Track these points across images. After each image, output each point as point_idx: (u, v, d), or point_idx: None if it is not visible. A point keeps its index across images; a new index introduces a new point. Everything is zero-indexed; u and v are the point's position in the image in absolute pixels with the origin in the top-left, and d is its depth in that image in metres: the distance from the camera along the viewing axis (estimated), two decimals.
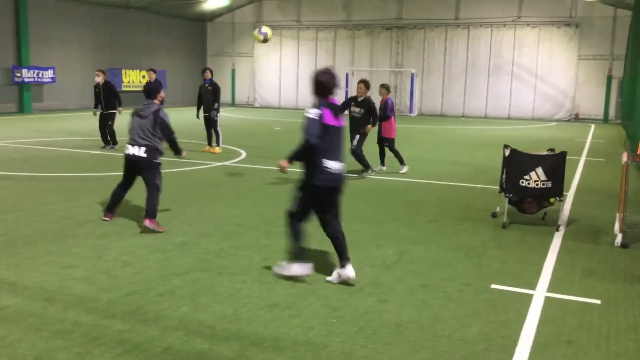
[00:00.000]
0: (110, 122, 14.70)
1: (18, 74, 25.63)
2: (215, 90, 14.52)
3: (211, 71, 14.92)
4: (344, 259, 5.49)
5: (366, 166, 11.63)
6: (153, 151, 7.24)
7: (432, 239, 7.17)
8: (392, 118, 12.16)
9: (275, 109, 35.55)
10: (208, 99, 14.55)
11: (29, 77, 26.12)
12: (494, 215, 8.35)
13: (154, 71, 15.69)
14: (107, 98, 14.67)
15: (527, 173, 7.63)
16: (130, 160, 7.31)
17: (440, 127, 25.55)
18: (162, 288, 5.26)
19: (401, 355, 4.11)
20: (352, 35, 34.89)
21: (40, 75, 26.71)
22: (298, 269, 5.55)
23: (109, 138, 14.78)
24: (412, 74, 32.67)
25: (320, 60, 35.77)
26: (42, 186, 9.80)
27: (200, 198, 9.22)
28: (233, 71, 37.51)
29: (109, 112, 14.72)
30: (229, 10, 36.86)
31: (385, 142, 12.23)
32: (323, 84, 5.68)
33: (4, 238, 6.69)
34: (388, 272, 5.87)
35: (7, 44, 25.63)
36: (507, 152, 7.87)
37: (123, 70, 31.08)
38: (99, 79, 14.71)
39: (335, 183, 5.49)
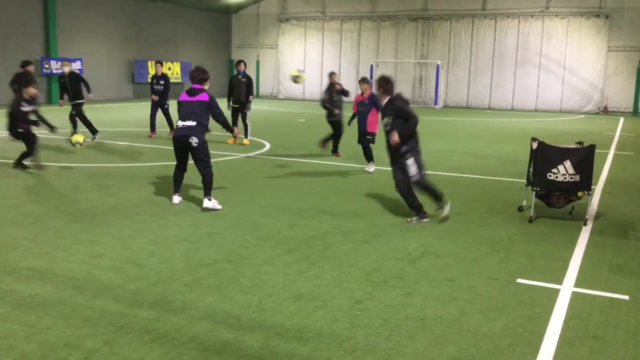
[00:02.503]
0: (75, 113, 14.28)
1: (47, 66, 26.03)
2: (249, 83, 14.73)
3: (245, 64, 15.06)
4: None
5: (437, 198, 7.79)
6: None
7: (457, 233, 7.12)
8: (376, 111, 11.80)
9: (299, 100, 35.55)
10: (240, 90, 14.69)
11: (57, 69, 26.49)
12: (521, 209, 8.26)
13: (161, 63, 15.94)
14: (74, 88, 14.25)
15: (555, 166, 7.51)
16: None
17: (465, 119, 25.30)
18: (188, 278, 5.32)
19: (425, 349, 4.10)
20: (377, 27, 34.67)
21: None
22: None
23: (93, 127, 14.45)
24: (438, 66, 32.38)
25: (344, 51, 35.66)
26: (70, 176, 9.96)
27: (225, 189, 9.27)
28: (257, 63, 37.59)
29: (76, 102, 14.29)
30: (254, 2, 36.90)
31: (369, 136, 11.24)
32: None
33: (33, 227, 6.82)
34: (413, 266, 5.85)
35: (36, 36, 26.03)
36: (535, 145, 7.77)
37: (149, 62, 31.33)
38: (66, 69, 14.42)
39: None
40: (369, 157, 11.27)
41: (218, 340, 4.12)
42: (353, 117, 11.60)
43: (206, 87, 8.25)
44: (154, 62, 30.14)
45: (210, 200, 7.88)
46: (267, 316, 4.55)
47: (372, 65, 32.95)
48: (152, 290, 5.00)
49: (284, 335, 4.23)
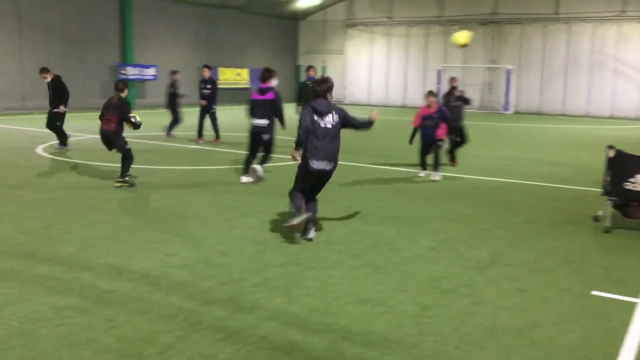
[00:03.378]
0: (58, 123, 13.40)
1: (123, 71, 27.15)
2: None
3: (315, 69, 15.17)
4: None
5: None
6: None
7: (528, 242, 6.94)
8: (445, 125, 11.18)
9: (364, 105, 35.54)
10: (309, 96, 14.75)
11: (133, 75, 27.61)
12: (596, 219, 7.96)
13: (209, 67, 15.99)
14: (55, 95, 13.39)
15: (633, 175, 7.21)
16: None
17: (537, 125, 24.58)
18: (257, 279, 5.43)
19: (495, 359, 4.02)
20: (445, 31, 34.23)
21: (143, 73, 28.17)
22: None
23: (61, 137, 13.51)
24: (509, 71, 31.64)
25: (411, 56, 35.42)
26: (144, 178, 10.34)
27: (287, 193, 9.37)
28: (324, 68, 37.86)
29: (55, 110, 13.40)
30: (321, 8, 37.23)
31: (440, 142, 10.99)
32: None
33: (110, 226, 7.13)
34: (482, 274, 5.74)
35: (113, 43, 27.21)
36: (611, 153, 7.47)
37: (219, 68, 32.14)
38: (46, 79, 13.41)
39: None
40: (437, 164, 10.91)
41: (286, 341, 4.19)
42: (414, 133, 10.97)
43: (273, 83, 9.71)
44: (221, 68, 30.74)
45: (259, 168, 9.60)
46: (333, 319, 4.58)
47: (439, 71, 32.55)
48: (222, 289, 5.13)
49: (350, 339, 4.25)
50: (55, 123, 13.43)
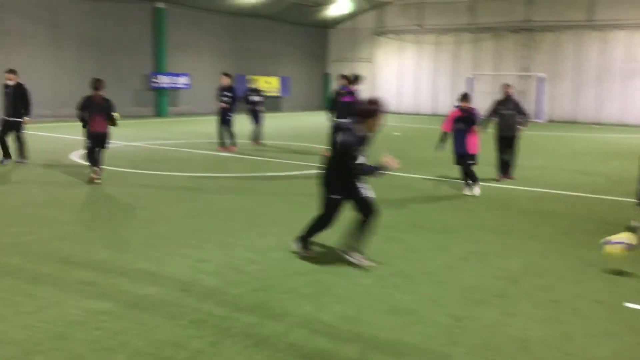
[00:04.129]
0: (20, 132, 12.42)
1: (155, 80, 27.60)
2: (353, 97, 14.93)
3: (346, 78, 15.15)
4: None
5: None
6: None
7: (561, 253, 6.83)
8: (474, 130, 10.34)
9: (393, 114, 35.45)
10: (341, 105, 14.82)
11: (165, 83, 28.05)
12: (630, 229, 7.79)
13: (229, 75, 16.01)
14: (17, 103, 12.35)
15: None
16: None
17: (570, 134, 24.21)
18: (286, 286, 5.46)
19: None
20: (476, 39, 34.03)
21: (175, 81, 28.60)
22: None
23: (16, 150, 12.42)
24: (541, 79, 31.26)
25: (441, 64, 35.25)
26: (178, 185, 10.49)
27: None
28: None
29: (15, 119, 12.35)
30: (351, 16, 37.34)
31: (471, 160, 10.27)
32: None
33: (144, 232, 7.25)
34: (514, 285, 5.68)
35: (146, 52, 27.70)
36: None
37: (248, 77, 32.40)
38: (11, 81, 12.32)
39: None
40: (473, 179, 10.23)
41: (315, 348, 4.20)
42: (444, 137, 10.40)
43: (355, 88, 12.81)
44: (251, 76, 31.18)
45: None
46: (363, 328, 4.58)
47: (469, 79, 32.32)
48: (252, 296, 5.17)
49: (380, 348, 4.25)
50: (17, 132, 12.37)
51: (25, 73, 20.19)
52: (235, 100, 15.72)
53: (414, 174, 12.39)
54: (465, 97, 10.39)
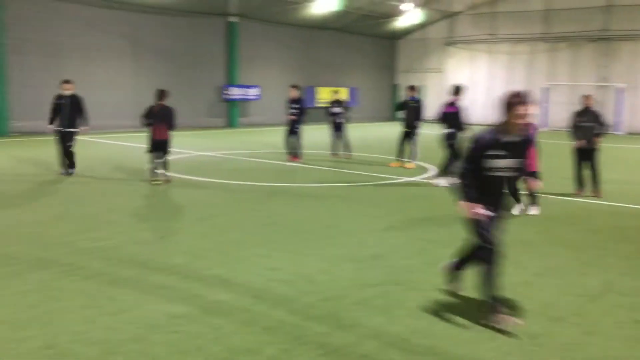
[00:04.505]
0: (70, 142, 12.36)
1: (227, 92, 28.33)
2: (419, 108, 14.85)
3: (416, 89, 15.21)
4: None
5: None
6: None
7: None
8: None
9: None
10: (411, 115, 14.86)
11: (236, 95, 28.75)
12: None
13: (297, 87, 16.05)
14: (72, 113, 12.27)
15: None
16: None
17: None
18: (356, 297, 5.45)
19: None
20: (551, 48, 33.02)
21: (246, 93, 29.26)
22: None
23: (71, 160, 12.45)
24: (619, 89, 29.95)
25: (514, 75, 34.40)
26: (249, 194, 10.71)
27: (389, 212, 9.37)
28: (422, 87, 37.61)
29: (70, 130, 12.30)
30: (421, 27, 37.09)
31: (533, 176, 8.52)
32: None
33: (217, 239, 7.44)
34: (593, 303, 5.44)
35: (219, 65, 28.49)
36: None
37: (317, 88, 32.75)
38: (68, 91, 12.27)
39: None
40: (533, 197, 9.36)
41: None
42: None
43: (457, 99, 12.86)
44: (319, 88, 31.28)
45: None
46: (436, 342, 4.51)
47: (544, 89, 31.37)
48: (323, 306, 5.20)
49: None
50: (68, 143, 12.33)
51: (108, 86, 21.17)
52: (303, 112, 15.89)
53: None
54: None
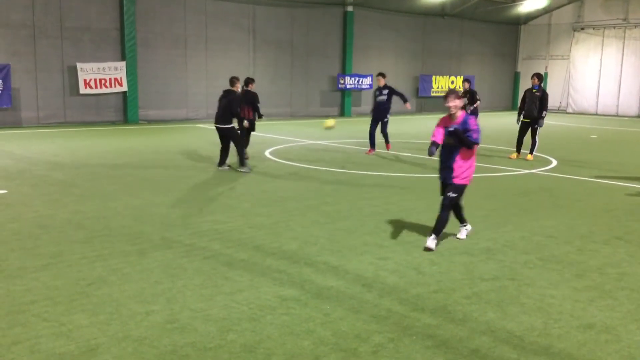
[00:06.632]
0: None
1: (342, 81, 28.53)
2: (543, 98, 14.01)
3: (539, 78, 14.30)
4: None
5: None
6: None
7: None
8: None
9: (591, 115, 32.73)
10: (532, 105, 14.10)
11: (350, 84, 28.88)
12: None
13: (384, 76, 15.17)
14: (226, 110, 11.98)
15: None
16: None
17: None
18: (468, 290, 5.32)
19: None
20: None
21: (360, 82, 29.30)
22: None
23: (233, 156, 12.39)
24: None
25: None
26: (358, 182, 10.74)
27: (506, 205, 9.03)
28: (545, 75, 35.69)
29: (224, 126, 12.00)
30: (545, 11, 35.16)
31: None
32: None
33: (328, 226, 7.54)
34: None
35: (335, 55, 28.74)
36: None
37: (433, 77, 32.12)
38: (240, 89, 12.32)
39: None
40: None
41: (500, 358, 4.04)
42: None
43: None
44: (436, 76, 30.65)
45: None
46: (553, 341, 4.30)
47: None
48: (432, 298, 5.12)
49: None
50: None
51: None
52: (390, 100, 15.04)
53: (616, 181, 11.33)
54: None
